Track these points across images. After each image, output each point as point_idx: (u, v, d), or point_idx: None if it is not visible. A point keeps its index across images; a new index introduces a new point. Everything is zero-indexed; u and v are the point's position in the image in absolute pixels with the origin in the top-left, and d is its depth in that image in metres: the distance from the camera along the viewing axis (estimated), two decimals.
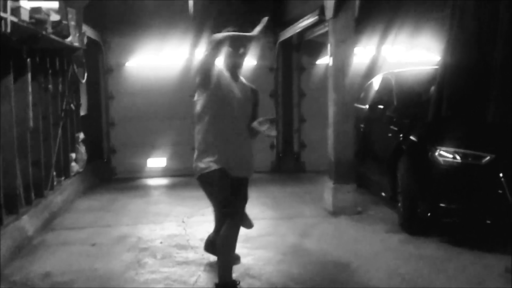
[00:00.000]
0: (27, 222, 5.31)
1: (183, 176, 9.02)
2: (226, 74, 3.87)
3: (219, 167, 3.75)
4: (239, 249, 4.47)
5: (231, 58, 3.86)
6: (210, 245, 4.40)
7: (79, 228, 5.82)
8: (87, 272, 4.36)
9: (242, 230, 3.93)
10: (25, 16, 4.73)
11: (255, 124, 3.84)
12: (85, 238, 5.40)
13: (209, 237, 4.53)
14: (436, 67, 4.66)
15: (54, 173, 6.51)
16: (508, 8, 3.42)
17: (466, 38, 3.80)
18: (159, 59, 9.15)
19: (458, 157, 4.83)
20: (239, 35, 3.76)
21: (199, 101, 3.86)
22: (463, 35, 3.83)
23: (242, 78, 4.02)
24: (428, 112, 4.77)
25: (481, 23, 3.68)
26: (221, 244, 3.78)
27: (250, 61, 9.19)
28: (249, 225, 4.20)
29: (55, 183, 6.54)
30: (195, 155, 3.91)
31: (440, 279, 4.09)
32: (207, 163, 3.78)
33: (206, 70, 3.73)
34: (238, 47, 3.82)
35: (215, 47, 3.66)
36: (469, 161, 4.81)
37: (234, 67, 3.89)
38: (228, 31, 3.77)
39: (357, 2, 6.44)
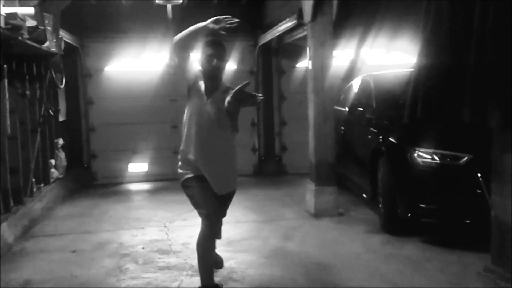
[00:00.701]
0: (6, 229, 5.23)
1: (164, 181, 9.00)
2: (202, 85, 3.78)
3: (198, 174, 3.78)
4: (221, 253, 4.49)
5: (206, 67, 3.74)
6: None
7: (59, 235, 5.75)
8: (68, 280, 4.31)
9: (224, 234, 3.93)
10: (0, 22, 4.68)
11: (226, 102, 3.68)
12: (65, 245, 5.34)
13: None
14: (413, 68, 4.71)
15: (33, 180, 6.44)
16: (483, 9, 3.47)
17: (440, 40, 3.85)
18: (139, 63, 9.11)
19: (436, 158, 4.90)
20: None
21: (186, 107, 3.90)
22: (437, 36, 3.87)
23: (222, 85, 3.84)
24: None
25: (455, 24, 3.73)
26: (198, 247, 3.76)
27: (230, 65, 9.20)
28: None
29: (34, 190, 6.46)
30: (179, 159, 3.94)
31: (420, 278, 4.14)
32: (186, 169, 3.84)
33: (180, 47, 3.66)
34: (211, 56, 3.71)
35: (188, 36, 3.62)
36: (447, 162, 4.88)
37: (210, 77, 3.76)
38: (208, 41, 3.75)
39: (335, 6, 6.48)
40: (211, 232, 3.75)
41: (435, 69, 3.86)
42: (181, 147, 3.91)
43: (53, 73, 7.31)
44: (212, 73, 3.74)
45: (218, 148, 3.79)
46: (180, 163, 3.92)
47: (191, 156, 3.80)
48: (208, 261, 3.81)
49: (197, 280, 4.12)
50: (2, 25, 4.74)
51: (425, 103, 3.90)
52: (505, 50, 3.34)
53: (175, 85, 9.09)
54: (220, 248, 4.49)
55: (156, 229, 5.87)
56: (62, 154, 7.91)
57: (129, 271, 4.49)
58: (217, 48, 3.75)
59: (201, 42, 3.76)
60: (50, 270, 4.56)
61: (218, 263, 4.34)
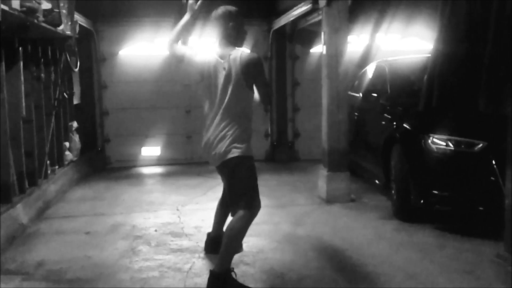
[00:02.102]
0: (21, 211, 5.31)
1: (177, 165, 9.06)
2: (214, 55, 3.80)
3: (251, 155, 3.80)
4: None
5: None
6: (212, 245, 4.32)
7: (73, 217, 5.82)
8: (81, 260, 4.36)
9: None
10: (16, 4, 4.69)
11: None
12: (79, 226, 5.41)
13: (209, 238, 4.47)
14: (429, 55, 4.66)
15: (48, 162, 6.50)
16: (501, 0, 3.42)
17: (458, 27, 3.80)
18: (153, 48, 9.10)
19: (451, 145, 4.86)
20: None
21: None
22: (455, 23, 3.83)
23: (235, 52, 3.76)
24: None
25: (473, 11, 3.68)
26: (231, 234, 3.68)
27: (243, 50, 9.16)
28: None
29: (48, 172, 6.53)
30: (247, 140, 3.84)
31: (432, 266, 4.12)
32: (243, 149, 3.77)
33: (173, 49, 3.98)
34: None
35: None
36: (462, 149, 4.84)
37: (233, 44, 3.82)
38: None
39: None
40: (251, 221, 3.76)
41: (452, 57, 3.82)
42: (249, 131, 3.86)
43: (68, 56, 7.34)
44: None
45: (220, 121, 3.81)
46: (247, 142, 3.81)
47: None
48: (235, 249, 3.80)
49: (208, 263, 4.16)
50: (18, 7, 4.75)
51: (441, 92, 3.87)
52: None
53: (188, 70, 9.08)
54: None
55: (168, 212, 5.91)
56: (76, 137, 7.98)
57: (141, 253, 4.53)
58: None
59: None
60: (64, 251, 4.62)
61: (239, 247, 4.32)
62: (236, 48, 3.81)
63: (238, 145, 3.71)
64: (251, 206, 3.73)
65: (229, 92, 3.70)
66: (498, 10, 3.43)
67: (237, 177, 3.76)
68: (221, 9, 3.86)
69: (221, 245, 3.70)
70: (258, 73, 3.74)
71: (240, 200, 3.73)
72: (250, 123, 3.85)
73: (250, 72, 3.69)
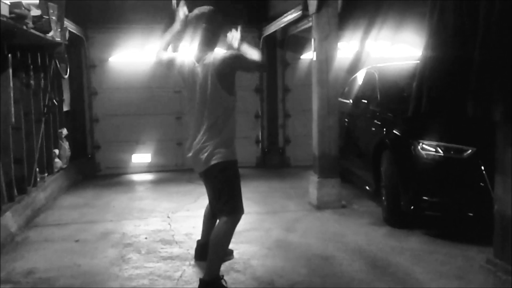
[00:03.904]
0: (10, 219, 5.26)
1: (168, 172, 9.04)
2: (191, 59, 3.79)
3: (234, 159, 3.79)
4: None
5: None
6: (202, 253, 4.25)
7: (62, 225, 5.78)
8: (71, 269, 4.33)
9: None
10: (5, 11, 4.68)
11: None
12: (69, 234, 5.37)
13: (198, 245, 4.42)
14: (418, 61, 4.69)
15: (37, 170, 6.46)
16: (488, 2, 3.45)
17: (446, 32, 3.82)
18: (143, 54, 9.09)
19: (440, 151, 4.89)
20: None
21: None
22: (443, 28, 3.85)
23: (209, 56, 3.72)
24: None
25: (461, 17, 3.71)
26: (216, 240, 3.68)
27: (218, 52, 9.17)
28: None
29: (38, 179, 6.49)
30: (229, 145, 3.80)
31: (423, 271, 4.14)
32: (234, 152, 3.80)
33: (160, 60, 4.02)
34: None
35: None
36: (451, 155, 4.87)
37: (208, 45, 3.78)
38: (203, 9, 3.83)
39: None
40: (235, 225, 3.76)
41: (440, 62, 3.84)
42: (231, 134, 3.81)
43: (57, 63, 7.31)
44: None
45: (202, 124, 3.81)
46: (230, 147, 3.76)
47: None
48: (222, 254, 3.78)
49: (199, 270, 4.14)
50: (7, 14, 4.73)
51: (430, 97, 3.88)
52: (510, 43, 3.32)
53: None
54: None
55: (159, 220, 5.89)
56: (66, 144, 7.94)
57: (131, 260, 4.51)
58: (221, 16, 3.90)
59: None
60: (53, 259, 4.58)
61: (228, 255, 4.32)
62: (212, 51, 3.75)
63: (221, 150, 3.68)
64: (235, 211, 3.74)
65: (207, 97, 3.67)
66: (486, 15, 3.46)
67: (220, 183, 3.74)
68: (195, 11, 3.82)
69: (208, 252, 3.70)
70: (240, 62, 3.74)
71: (224, 205, 3.73)
72: (233, 126, 3.79)
73: (226, 73, 3.64)
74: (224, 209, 3.72)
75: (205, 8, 3.82)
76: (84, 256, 4.64)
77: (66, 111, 8.27)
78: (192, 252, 4.54)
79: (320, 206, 6.17)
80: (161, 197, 7.15)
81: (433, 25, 3.93)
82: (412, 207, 5.05)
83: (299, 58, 9.54)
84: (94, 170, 9.12)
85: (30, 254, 4.74)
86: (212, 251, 3.68)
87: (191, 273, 4.19)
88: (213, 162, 3.67)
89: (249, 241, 4.97)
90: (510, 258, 3.63)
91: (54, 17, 6.25)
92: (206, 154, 3.68)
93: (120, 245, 4.95)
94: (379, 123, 5.96)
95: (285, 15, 7.83)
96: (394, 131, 5.50)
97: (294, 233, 5.27)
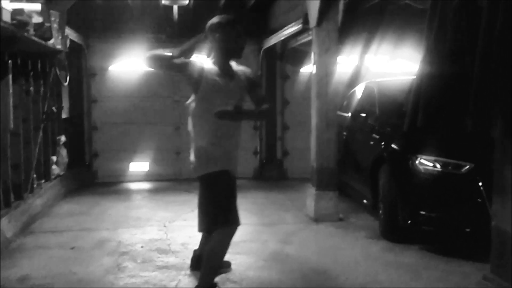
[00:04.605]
0: (6, 225, 5.23)
1: (165, 181, 9.03)
2: (213, 70, 3.69)
3: (225, 169, 3.68)
4: None
5: (232, 46, 3.74)
6: (198, 263, 4.21)
7: (58, 232, 5.75)
8: (66, 276, 4.31)
9: None
10: (6, 17, 4.70)
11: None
12: (65, 241, 5.34)
13: (195, 255, 4.41)
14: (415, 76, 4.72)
15: (34, 176, 6.43)
16: (489, 19, 3.48)
17: (444, 48, 3.85)
18: (143, 64, 9.10)
19: (438, 166, 4.90)
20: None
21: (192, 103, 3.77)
22: (441, 44, 3.87)
23: (234, 67, 3.83)
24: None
25: (459, 33, 3.73)
26: (210, 252, 3.65)
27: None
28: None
29: (35, 186, 6.46)
30: (197, 156, 3.73)
31: (419, 287, 4.12)
32: (211, 163, 3.67)
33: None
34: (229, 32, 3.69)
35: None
36: (449, 170, 4.88)
37: (224, 57, 3.74)
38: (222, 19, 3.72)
39: (340, 12, 6.50)
40: (230, 237, 3.69)
41: (437, 77, 3.86)
42: (201, 143, 3.69)
43: (57, 70, 7.33)
44: (239, 51, 3.80)
45: (230, 133, 3.77)
46: (199, 159, 3.69)
47: (216, 148, 3.66)
48: (217, 266, 3.76)
49: (194, 280, 4.12)
50: (8, 20, 4.75)
51: (426, 112, 3.90)
52: (510, 60, 3.34)
53: (179, 86, 9.12)
54: None
55: (155, 229, 5.87)
56: (63, 151, 7.92)
57: (127, 269, 4.48)
58: (236, 26, 3.77)
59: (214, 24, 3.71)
60: (48, 267, 4.56)
61: (225, 267, 4.30)
62: (230, 61, 3.77)
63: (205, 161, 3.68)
64: (226, 223, 3.65)
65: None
66: (486, 29, 3.48)
67: (204, 195, 3.77)
68: (213, 19, 3.73)
69: (203, 263, 3.69)
70: (255, 89, 3.95)
71: (214, 217, 3.69)
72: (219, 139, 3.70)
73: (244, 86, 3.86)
74: (219, 220, 3.65)
75: (218, 18, 3.74)
76: (79, 264, 4.62)
77: (65, 119, 8.27)
78: (188, 261, 4.53)
79: (318, 218, 6.16)
80: (158, 206, 7.13)
81: (431, 40, 3.96)
82: (409, 222, 5.04)
83: (299, 71, 9.58)
84: (91, 177, 9.10)
85: (25, 260, 4.71)
86: (206, 261, 3.68)
87: (187, 282, 4.17)
88: (204, 172, 3.70)
89: (245, 252, 4.96)
90: (507, 275, 3.63)
91: (55, 25, 6.28)
92: (196, 164, 3.77)
93: (116, 254, 4.93)
94: (378, 137, 5.98)
95: (285, 28, 7.88)
96: (393, 145, 5.52)
97: (291, 246, 5.26)
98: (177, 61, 3.62)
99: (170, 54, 3.62)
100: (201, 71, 3.65)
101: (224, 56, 3.74)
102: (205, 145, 3.66)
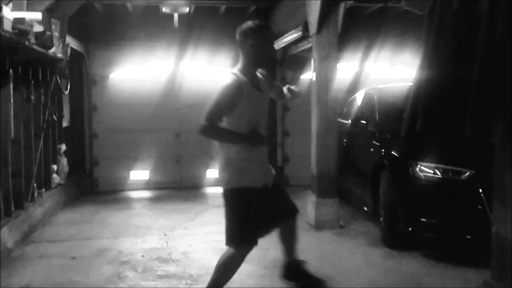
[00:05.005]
0: (6, 234, 5.23)
1: (166, 189, 9.02)
2: (247, 82, 3.48)
3: (256, 186, 3.56)
4: None
5: (266, 53, 3.57)
6: (287, 274, 4.11)
7: (59, 241, 5.75)
8: (66, 285, 4.30)
9: (223, 243, 3.88)
10: (7, 26, 4.72)
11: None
12: (65, 251, 5.34)
13: (283, 267, 4.17)
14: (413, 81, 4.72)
15: (35, 185, 6.44)
16: (489, 24, 3.48)
17: (442, 53, 3.84)
18: (144, 71, 9.15)
19: (438, 173, 4.90)
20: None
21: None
22: (439, 50, 3.87)
23: (258, 76, 3.67)
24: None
25: (458, 38, 3.73)
26: (217, 267, 3.59)
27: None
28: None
29: (35, 194, 6.46)
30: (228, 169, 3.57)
31: None
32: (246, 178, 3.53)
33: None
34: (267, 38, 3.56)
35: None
36: (449, 177, 4.87)
37: (253, 65, 3.59)
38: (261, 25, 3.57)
39: (340, 19, 6.52)
40: (238, 259, 3.60)
41: (435, 83, 3.85)
42: (234, 156, 3.52)
43: (58, 78, 7.35)
44: (270, 59, 3.68)
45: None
46: (235, 172, 3.53)
47: (252, 162, 3.54)
48: (223, 281, 3.65)
49: None
50: (9, 29, 4.77)
51: (425, 118, 3.89)
52: (510, 67, 3.34)
53: (179, 94, 9.16)
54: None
55: (156, 237, 5.86)
56: (64, 160, 7.92)
57: (128, 278, 4.48)
58: (270, 33, 3.68)
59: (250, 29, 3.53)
60: (49, 276, 4.55)
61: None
62: (257, 69, 3.63)
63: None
64: (233, 243, 3.56)
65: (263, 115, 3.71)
66: (486, 33, 3.48)
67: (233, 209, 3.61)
68: (243, 25, 3.55)
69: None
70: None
71: (225, 233, 3.61)
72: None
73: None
74: (226, 237, 3.59)
75: (256, 23, 3.59)
76: (80, 273, 4.61)
77: (66, 127, 8.28)
78: (189, 270, 4.53)
79: (318, 226, 6.15)
80: (158, 215, 7.12)
81: (429, 46, 3.96)
82: (410, 228, 5.04)
83: (299, 78, 9.57)
84: (92, 186, 9.10)
85: (26, 270, 4.71)
86: (213, 274, 3.64)
87: None
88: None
89: (246, 259, 4.87)
90: (508, 281, 3.62)
91: (56, 33, 6.31)
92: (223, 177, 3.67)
93: (116, 263, 4.92)
94: (378, 143, 5.98)
95: (285, 35, 7.90)
96: (393, 152, 5.52)
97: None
98: (223, 116, 3.44)
99: (209, 121, 3.40)
100: (241, 90, 3.43)
101: (253, 64, 3.58)
102: (239, 159, 3.51)
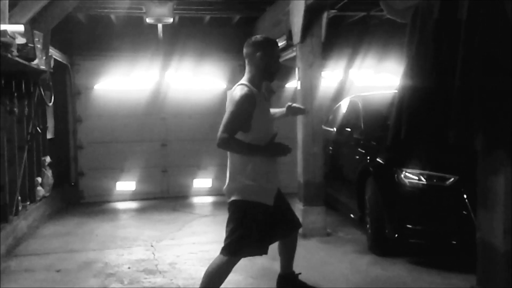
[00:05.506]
0: None
1: (152, 200, 8.97)
2: (258, 95, 3.59)
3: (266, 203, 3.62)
4: None
5: (274, 66, 3.70)
6: (286, 282, 4.16)
7: (44, 254, 5.68)
8: None
9: (211, 253, 3.89)
10: None
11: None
12: (50, 264, 5.28)
13: (279, 278, 4.26)
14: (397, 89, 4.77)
15: (19, 198, 6.37)
16: (468, 34, 3.53)
17: (425, 62, 3.89)
18: (129, 82, 9.12)
19: (423, 179, 4.93)
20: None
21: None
22: (422, 58, 3.91)
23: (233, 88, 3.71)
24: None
25: (440, 47, 3.78)
26: (206, 273, 3.60)
27: (219, 84, 9.25)
28: None
29: (20, 207, 6.39)
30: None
31: None
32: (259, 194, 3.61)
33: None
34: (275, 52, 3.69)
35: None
36: (434, 183, 4.91)
37: (261, 78, 3.70)
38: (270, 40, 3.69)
39: (324, 28, 6.56)
40: (226, 268, 3.61)
41: (419, 91, 3.89)
42: (258, 168, 3.64)
43: (42, 90, 7.30)
44: (277, 72, 3.74)
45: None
46: (251, 186, 3.60)
47: (271, 174, 3.74)
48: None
49: None
50: None
51: (409, 126, 3.93)
52: (491, 73, 3.38)
53: (165, 104, 9.13)
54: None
55: (142, 249, 5.82)
56: (49, 172, 7.85)
57: None
58: (277, 48, 3.79)
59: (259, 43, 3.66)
60: None
61: None
62: (262, 82, 3.71)
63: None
64: (227, 252, 3.58)
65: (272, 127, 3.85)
66: (465, 42, 3.53)
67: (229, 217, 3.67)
68: (250, 39, 3.69)
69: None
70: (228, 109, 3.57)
71: (224, 241, 3.62)
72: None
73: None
74: (226, 247, 3.60)
75: (266, 37, 3.72)
76: (65, 287, 4.56)
77: (50, 139, 8.22)
78: (176, 281, 4.50)
79: (305, 234, 6.15)
80: (145, 225, 7.08)
81: (411, 54, 4.00)
82: (396, 235, 5.06)
83: (284, 87, 9.62)
84: (77, 197, 9.02)
85: (10, 284, 4.65)
86: (202, 282, 3.63)
87: None
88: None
89: (234, 269, 4.89)
90: (493, 286, 3.65)
91: (39, 45, 6.27)
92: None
93: (102, 275, 4.88)
94: (363, 151, 6.01)
95: None
96: (378, 159, 5.55)
97: (279, 262, 5.22)
98: (242, 128, 3.51)
99: (228, 133, 3.46)
100: (255, 101, 3.52)
101: (261, 77, 3.67)
102: (258, 171, 3.62)
